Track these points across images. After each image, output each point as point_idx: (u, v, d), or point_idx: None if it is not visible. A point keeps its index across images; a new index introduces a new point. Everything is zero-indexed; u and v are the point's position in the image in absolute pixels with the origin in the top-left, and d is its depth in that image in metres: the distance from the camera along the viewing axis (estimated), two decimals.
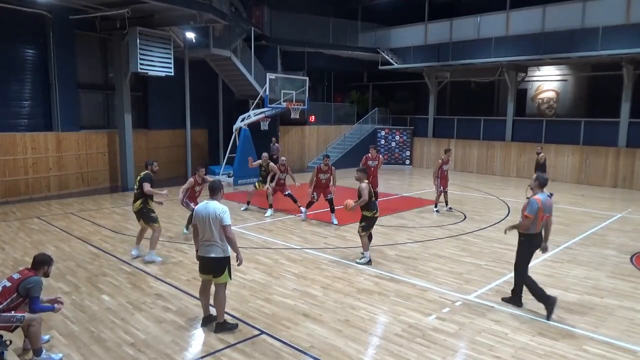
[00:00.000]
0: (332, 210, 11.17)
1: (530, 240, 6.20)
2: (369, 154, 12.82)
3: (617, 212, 13.00)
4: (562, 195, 15.10)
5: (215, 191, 5.54)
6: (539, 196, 6.09)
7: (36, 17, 13.70)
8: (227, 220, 5.35)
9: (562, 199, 14.83)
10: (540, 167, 14.17)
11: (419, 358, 5.02)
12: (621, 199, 15.32)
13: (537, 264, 8.24)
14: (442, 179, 12.45)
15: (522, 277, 6.30)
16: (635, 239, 10.05)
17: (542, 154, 14.63)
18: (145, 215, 8.17)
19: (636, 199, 15.21)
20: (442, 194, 12.58)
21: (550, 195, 6.92)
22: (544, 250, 6.38)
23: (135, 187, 8.31)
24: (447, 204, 12.79)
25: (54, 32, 14.10)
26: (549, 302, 6.01)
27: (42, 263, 5.03)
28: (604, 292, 6.98)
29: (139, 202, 8.16)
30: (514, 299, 6.43)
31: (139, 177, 8.24)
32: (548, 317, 5.92)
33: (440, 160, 12.73)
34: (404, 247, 9.26)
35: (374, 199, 8.15)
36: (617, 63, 17.67)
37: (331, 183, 11.39)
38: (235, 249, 5.46)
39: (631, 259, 8.66)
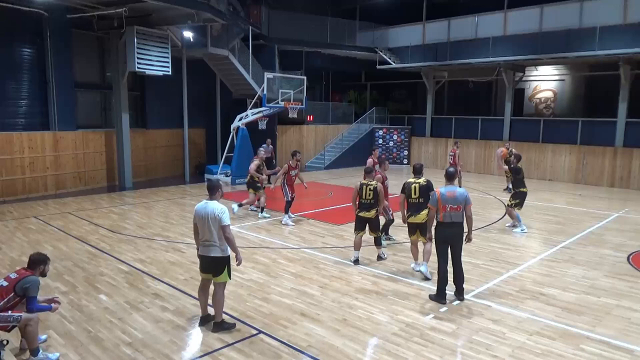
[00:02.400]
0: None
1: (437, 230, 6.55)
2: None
3: (615, 211, 13.03)
4: (560, 195, 15.13)
5: (213, 191, 5.52)
6: (440, 189, 6.50)
7: (33, 15, 13.65)
8: (226, 220, 5.34)
9: (559, 199, 14.87)
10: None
11: (417, 357, 5.03)
12: (618, 199, 15.36)
13: (535, 264, 8.27)
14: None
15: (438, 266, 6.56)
16: (632, 238, 10.08)
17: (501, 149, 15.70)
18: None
19: (633, 198, 15.25)
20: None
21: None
22: (468, 240, 6.64)
23: None
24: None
25: (51, 31, 14.06)
26: (436, 297, 6.50)
27: (38, 262, 5.02)
28: (601, 291, 7.00)
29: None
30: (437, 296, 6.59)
31: None
32: None
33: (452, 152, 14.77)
34: (401, 246, 9.26)
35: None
36: (614, 63, 17.71)
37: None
38: (234, 249, 5.46)
39: (628, 258, 8.68)
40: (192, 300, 6.41)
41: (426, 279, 7.30)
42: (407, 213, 7.60)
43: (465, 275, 7.57)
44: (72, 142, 14.93)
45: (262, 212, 11.66)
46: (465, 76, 23.40)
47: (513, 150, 15.13)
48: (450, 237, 6.43)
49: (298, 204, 11.84)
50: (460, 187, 12.73)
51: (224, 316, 5.66)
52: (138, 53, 14.11)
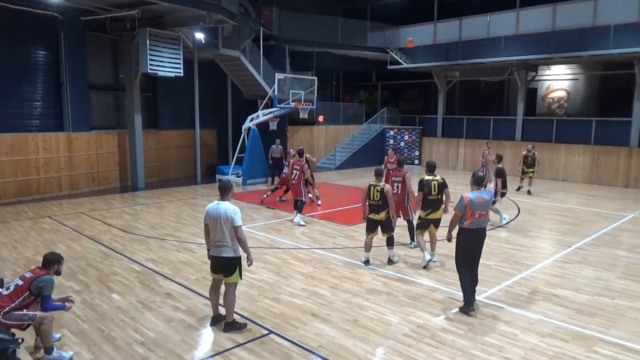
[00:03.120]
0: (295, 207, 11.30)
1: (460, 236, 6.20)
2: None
3: (629, 212, 12.86)
4: (573, 196, 14.96)
5: (225, 191, 5.54)
6: (469, 195, 6.04)
7: (47, 18, 13.84)
8: (238, 221, 5.36)
9: (572, 199, 14.71)
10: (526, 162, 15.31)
11: (428, 359, 5.01)
12: (633, 199, 15.14)
13: (547, 265, 8.19)
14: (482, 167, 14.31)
15: (458, 273, 6.29)
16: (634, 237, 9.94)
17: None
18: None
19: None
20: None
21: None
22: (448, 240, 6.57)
23: None
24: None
25: (65, 33, 14.24)
26: (465, 307, 6.09)
27: (52, 262, 5.09)
28: (615, 293, 6.91)
29: None
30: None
31: None
32: None
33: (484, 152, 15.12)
34: (412, 246, 9.21)
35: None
36: (629, 62, 17.47)
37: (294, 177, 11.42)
38: (245, 249, 5.48)
39: None
40: (203, 300, 6.45)
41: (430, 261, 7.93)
42: (427, 210, 7.88)
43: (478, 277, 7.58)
44: (85, 143, 15.11)
45: (280, 198, 13.36)
46: (477, 76, 23.22)
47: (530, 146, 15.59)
48: (477, 243, 6.17)
49: (308, 204, 11.84)
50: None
51: (235, 316, 5.69)
52: (150, 54, 14.23)
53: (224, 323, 5.60)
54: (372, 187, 7.81)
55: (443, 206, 8.04)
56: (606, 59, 18.34)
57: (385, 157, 13.17)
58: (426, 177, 7.83)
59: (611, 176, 17.96)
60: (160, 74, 14.82)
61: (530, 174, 15.27)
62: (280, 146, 16.64)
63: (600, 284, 7.24)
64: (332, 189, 16.05)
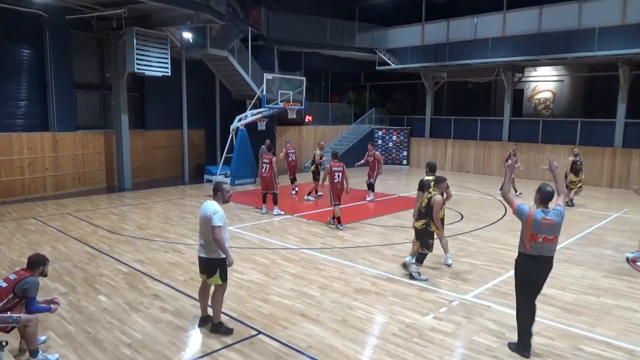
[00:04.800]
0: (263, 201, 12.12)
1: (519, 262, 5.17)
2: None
3: (614, 211, 13.05)
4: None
5: (214, 192, 5.50)
6: (536, 213, 5.01)
7: (32, 16, 13.64)
8: (216, 221, 5.22)
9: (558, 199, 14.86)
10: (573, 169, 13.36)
11: (417, 358, 5.02)
12: (617, 199, 15.37)
13: None
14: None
15: (516, 302, 5.27)
16: (631, 238, 10.07)
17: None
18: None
19: (632, 198, 15.21)
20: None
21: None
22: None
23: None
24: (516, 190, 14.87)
25: (50, 32, 14.05)
26: (518, 347, 5.13)
27: (37, 263, 5.02)
28: (600, 291, 7.00)
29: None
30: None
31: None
32: None
33: (507, 153, 14.95)
34: (401, 247, 9.26)
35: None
36: (613, 64, 17.73)
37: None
38: (223, 250, 5.33)
39: (628, 259, 8.68)
40: (191, 301, 6.41)
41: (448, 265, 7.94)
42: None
43: (465, 276, 7.64)
44: (71, 143, 14.92)
45: (308, 195, 14.18)
46: (465, 77, 23.43)
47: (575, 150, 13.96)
48: (538, 274, 5.08)
49: (298, 204, 11.84)
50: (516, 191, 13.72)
51: (224, 319, 5.66)
52: (137, 54, 14.12)
53: (211, 324, 5.57)
54: (426, 192, 7.49)
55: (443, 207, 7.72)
56: (591, 60, 18.60)
57: (366, 152, 14.40)
58: (426, 178, 7.84)
59: (596, 176, 18.20)
60: (148, 73, 14.71)
61: (579, 184, 13.33)
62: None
63: (586, 283, 7.33)
64: (320, 189, 16.03)
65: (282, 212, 12.00)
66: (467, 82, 23.59)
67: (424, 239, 7.38)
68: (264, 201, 12.19)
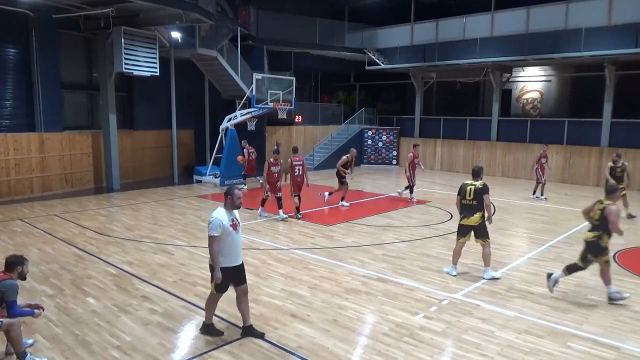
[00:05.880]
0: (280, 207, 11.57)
1: None
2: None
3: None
4: (547, 195, 15.26)
5: (225, 197, 5.28)
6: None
7: (18, 15, 13.47)
8: (211, 230, 5.07)
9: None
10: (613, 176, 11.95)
11: (407, 357, 5.04)
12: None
13: (523, 263, 8.35)
14: (542, 170, 14.56)
15: None
16: (617, 237, 10.14)
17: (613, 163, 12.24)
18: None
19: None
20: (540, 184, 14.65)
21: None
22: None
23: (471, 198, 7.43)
24: (542, 194, 14.80)
25: (36, 31, 13.88)
26: None
27: (14, 264, 4.93)
28: (587, 289, 7.08)
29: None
30: None
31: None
32: None
33: (538, 154, 14.82)
34: (391, 246, 9.29)
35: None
36: (599, 64, 17.94)
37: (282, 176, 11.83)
38: (213, 262, 5.13)
39: (614, 256, 8.79)
40: (181, 303, 6.37)
41: (495, 278, 7.43)
42: (461, 214, 7.57)
43: (455, 275, 7.67)
44: (58, 144, 14.75)
45: (342, 201, 13.44)
46: (454, 77, 23.57)
47: (617, 156, 12.33)
48: None
49: (288, 204, 11.81)
50: (542, 195, 13.98)
51: (215, 322, 5.62)
52: (125, 54, 14.00)
53: (202, 322, 5.55)
54: (468, 186, 7.41)
55: (479, 213, 7.38)
56: (578, 61, 18.82)
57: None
58: (466, 182, 7.55)
59: (583, 175, 18.42)
60: (136, 73, 14.59)
61: (623, 192, 11.67)
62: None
63: (574, 281, 7.40)
64: (310, 189, 16.00)
65: (265, 215, 11.83)
66: (456, 82, 23.74)
67: (591, 251, 6.72)
68: (298, 210, 11.70)
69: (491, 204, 7.62)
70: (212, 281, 5.28)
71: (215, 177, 17.14)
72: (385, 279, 7.43)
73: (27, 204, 12.99)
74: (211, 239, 5.09)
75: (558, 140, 19.25)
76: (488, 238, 7.49)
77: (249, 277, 7.42)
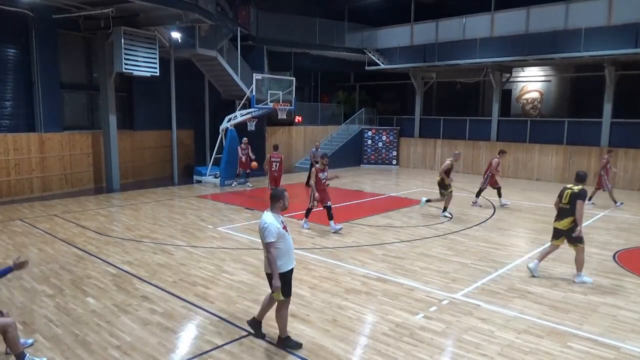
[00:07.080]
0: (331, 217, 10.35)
1: None
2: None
3: (600, 210, 13.20)
4: (547, 195, 15.28)
5: (272, 200, 5.07)
6: None
7: (18, 15, 13.47)
8: (267, 237, 4.85)
9: (546, 198, 15.00)
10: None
11: (407, 357, 5.04)
12: (603, 198, 15.52)
13: (523, 263, 8.34)
14: (607, 176, 13.80)
15: None
16: (617, 236, 10.21)
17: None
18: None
19: (619, 197, 15.42)
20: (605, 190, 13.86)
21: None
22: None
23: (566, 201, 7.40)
24: (615, 201, 13.90)
25: (36, 31, 13.88)
26: None
27: None
28: (587, 289, 7.08)
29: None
30: None
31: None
32: None
33: (604, 159, 14.02)
34: (391, 246, 9.29)
35: None
36: (599, 64, 17.95)
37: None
38: (271, 268, 4.92)
39: (614, 256, 8.80)
40: (181, 303, 6.37)
41: (584, 282, 7.31)
42: (556, 216, 7.58)
43: (454, 275, 7.68)
44: (58, 144, 14.75)
45: (444, 212, 12.08)
46: (453, 77, 23.58)
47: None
48: None
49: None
50: (616, 202, 13.61)
51: (275, 332, 5.39)
52: (125, 54, 13.99)
53: (278, 337, 5.27)
54: (566, 190, 7.39)
55: (570, 218, 7.28)
56: (577, 61, 18.82)
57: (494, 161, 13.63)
58: (567, 185, 7.54)
59: None
60: (136, 73, 14.58)
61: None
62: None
63: (574, 281, 7.40)
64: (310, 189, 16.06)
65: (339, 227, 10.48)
66: (455, 82, 23.75)
67: (571, 240, 7.23)
68: (330, 217, 10.26)
69: (582, 214, 7.26)
70: (272, 291, 5.03)
71: (215, 177, 17.13)
72: (385, 279, 7.43)
73: (27, 204, 12.99)
74: (269, 245, 4.89)
75: (558, 140, 19.26)
76: (581, 243, 7.32)
77: (249, 277, 7.45)
